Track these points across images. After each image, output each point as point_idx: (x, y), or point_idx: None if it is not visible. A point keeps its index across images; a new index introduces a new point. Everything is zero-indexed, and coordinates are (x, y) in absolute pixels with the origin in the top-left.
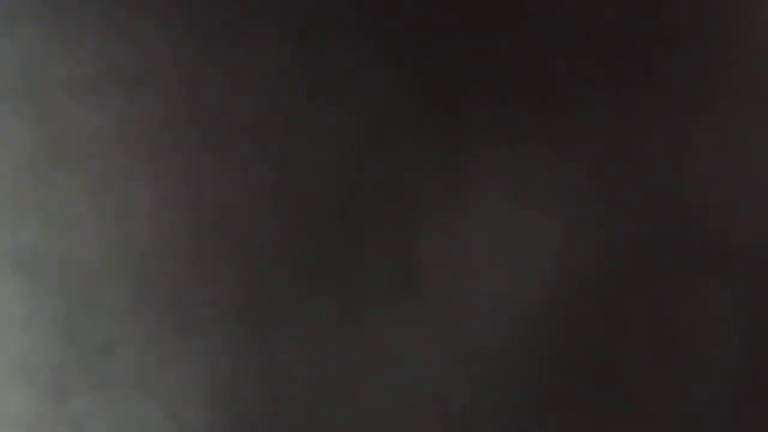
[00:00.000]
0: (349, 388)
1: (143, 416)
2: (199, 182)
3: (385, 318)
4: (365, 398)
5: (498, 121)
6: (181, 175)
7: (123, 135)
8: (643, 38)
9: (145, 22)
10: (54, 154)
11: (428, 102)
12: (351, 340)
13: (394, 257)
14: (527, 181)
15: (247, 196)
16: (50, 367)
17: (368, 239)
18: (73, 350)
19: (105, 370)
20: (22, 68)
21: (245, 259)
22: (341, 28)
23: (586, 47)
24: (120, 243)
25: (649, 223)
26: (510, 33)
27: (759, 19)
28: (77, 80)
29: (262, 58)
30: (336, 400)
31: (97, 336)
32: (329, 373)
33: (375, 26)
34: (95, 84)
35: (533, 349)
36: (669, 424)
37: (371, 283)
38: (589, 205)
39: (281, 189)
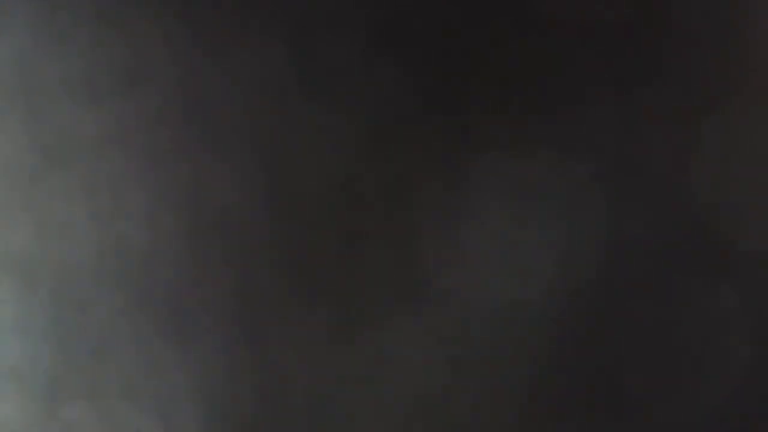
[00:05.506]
0: (348, 396)
1: (136, 424)
2: (194, 184)
3: (385, 325)
4: (364, 407)
5: (500, 123)
6: (177, 177)
7: (117, 135)
8: (649, 38)
9: (140, 19)
10: (46, 154)
11: (428, 103)
12: (350, 347)
13: (394, 262)
14: (530, 184)
15: (244, 197)
16: (42, 373)
17: (368, 243)
18: (65, 356)
19: (97, 376)
20: (13, 66)
21: (242, 263)
22: (340, 28)
23: (590, 47)
24: (114, 246)
25: (655, 226)
26: (511, 33)
27: (766, 19)
28: (70, 78)
29: (260, 56)
30: (334, 409)
31: (90, 341)
32: (327, 382)
33: (375, 26)
34: (89, 82)
35: (537, 354)
36: (676, 430)
37: (371, 289)
38: (593, 207)
39: (279, 191)
